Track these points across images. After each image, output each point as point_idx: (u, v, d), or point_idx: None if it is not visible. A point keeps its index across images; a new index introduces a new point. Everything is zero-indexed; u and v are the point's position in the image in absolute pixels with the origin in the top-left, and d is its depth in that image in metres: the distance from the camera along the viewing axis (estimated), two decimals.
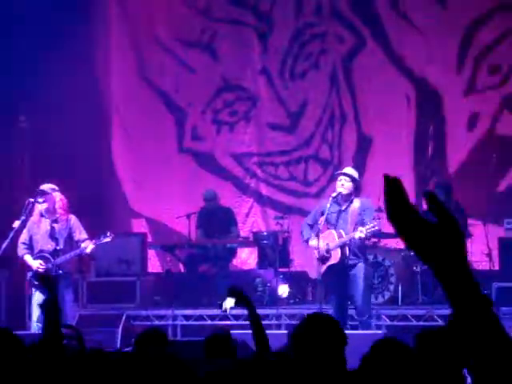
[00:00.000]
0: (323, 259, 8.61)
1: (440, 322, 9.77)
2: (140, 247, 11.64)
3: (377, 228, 8.40)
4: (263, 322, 10.32)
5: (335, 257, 8.57)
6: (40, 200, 8.84)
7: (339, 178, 8.75)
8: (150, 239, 12.47)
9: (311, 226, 8.78)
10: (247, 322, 10.30)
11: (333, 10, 12.60)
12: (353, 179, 8.72)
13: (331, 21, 12.62)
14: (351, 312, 9.05)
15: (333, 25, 12.62)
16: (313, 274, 8.87)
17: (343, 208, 8.67)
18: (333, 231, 8.62)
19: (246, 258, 12.59)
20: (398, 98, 12.31)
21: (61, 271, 8.68)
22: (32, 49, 11.74)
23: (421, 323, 9.88)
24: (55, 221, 8.82)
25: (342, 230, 8.57)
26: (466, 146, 12.07)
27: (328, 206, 8.65)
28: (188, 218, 11.65)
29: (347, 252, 8.56)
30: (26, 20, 11.88)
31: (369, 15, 12.43)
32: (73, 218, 8.91)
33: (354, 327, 8.98)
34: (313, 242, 8.64)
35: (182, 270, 12.16)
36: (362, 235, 8.35)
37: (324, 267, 8.62)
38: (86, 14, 12.91)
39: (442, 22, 12.07)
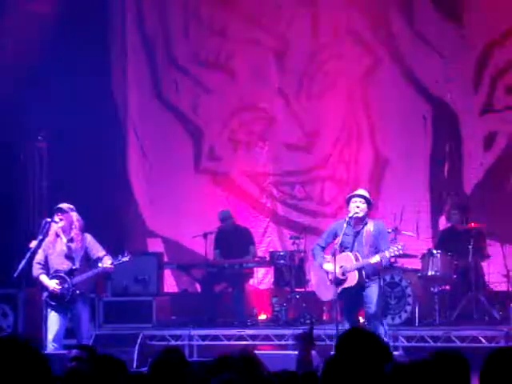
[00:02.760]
0: (338, 282, 8.57)
1: (458, 343, 9.72)
2: (156, 267, 11.65)
3: (400, 252, 8.42)
4: (280, 342, 10.34)
5: (352, 279, 8.54)
6: (57, 219, 8.86)
7: (353, 200, 8.73)
8: (165, 259, 12.48)
9: (323, 249, 8.76)
10: (264, 342, 10.29)
11: (349, 30, 12.63)
12: (367, 201, 8.72)
13: (348, 41, 12.65)
14: None
15: (349, 45, 12.64)
16: (325, 297, 8.83)
17: (357, 230, 8.66)
18: (350, 254, 8.59)
19: (262, 277, 12.57)
20: (415, 118, 12.30)
21: (77, 291, 8.69)
22: (50, 70, 11.82)
23: (438, 344, 9.82)
24: (71, 240, 8.83)
25: (357, 253, 8.55)
26: (483, 165, 12.04)
27: (344, 226, 8.64)
28: (204, 238, 11.66)
29: (364, 275, 8.55)
30: (44, 44, 11.97)
31: (385, 35, 12.45)
32: (88, 237, 8.91)
33: None
34: (327, 266, 8.60)
35: (199, 290, 12.15)
36: (379, 260, 8.36)
37: (338, 289, 8.58)
38: (103, 36, 13.02)
39: (459, 42, 12.08)
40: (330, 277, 8.56)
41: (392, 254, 8.43)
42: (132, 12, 13.51)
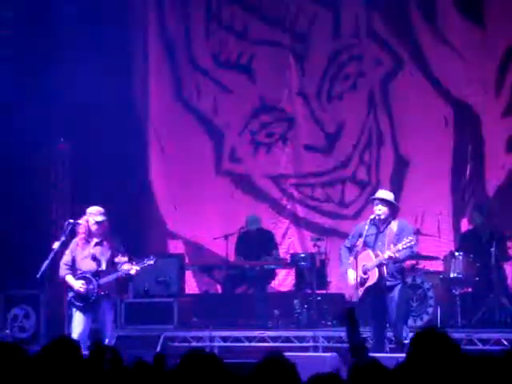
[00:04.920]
0: (362, 281, 8.57)
1: (480, 346, 9.66)
2: (178, 268, 11.66)
3: (412, 243, 8.32)
4: (300, 344, 10.33)
5: (373, 277, 8.53)
6: (81, 221, 8.89)
7: (375, 203, 8.74)
8: (186, 260, 12.50)
9: (350, 249, 8.76)
10: (284, 344, 10.28)
11: (370, 32, 12.60)
12: (388, 202, 8.70)
13: (369, 42, 12.63)
14: (390, 334, 9.00)
15: (370, 46, 12.62)
16: (354, 297, 8.80)
17: (381, 230, 8.65)
18: (370, 251, 8.59)
19: (283, 279, 12.57)
20: (436, 120, 12.26)
21: (103, 292, 8.72)
22: (71, 73, 11.88)
23: (460, 347, 9.74)
24: (99, 243, 8.86)
25: (379, 251, 8.53)
26: (505, 167, 11.98)
27: (366, 227, 8.63)
28: (225, 239, 11.66)
29: (384, 272, 8.50)
30: (64, 45, 12.05)
31: (407, 37, 12.42)
32: (116, 240, 8.96)
33: (393, 350, 8.93)
34: (350, 272, 8.60)
35: (220, 291, 12.16)
36: (391, 254, 8.32)
37: (362, 289, 8.58)
38: (125, 37, 13.07)
39: (481, 44, 12.02)
40: (356, 279, 8.56)
41: (404, 246, 8.36)
42: (154, 14, 13.57)
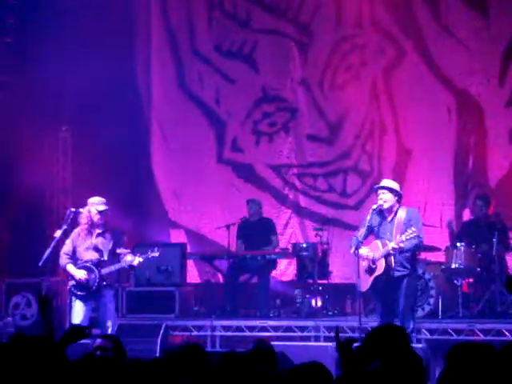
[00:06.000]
0: (370, 271, 8.56)
1: (481, 337, 9.67)
2: (179, 257, 11.66)
3: (414, 234, 8.28)
4: (302, 334, 10.34)
5: (380, 267, 8.49)
6: (83, 210, 8.88)
7: (378, 192, 8.72)
8: (188, 250, 12.49)
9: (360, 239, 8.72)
10: (286, 334, 10.29)
11: (373, 21, 12.56)
12: (391, 190, 8.67)
13: (372, 32, 12.58)
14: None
15: (373, 36, 12.58)
16: (363, 287, 8.72)
17: (389, 219, 8.62)
18: (377, 241, 8.56)
19: (285, 269, 12.57)
20: (439, 110, 12.22)
21: (105, 282, 8.73)
22: (74, 61, 11.86)
23: (461, 337, 9.78)
24: (101, 234, 8.86)
25: (387, 240, 8.49)
26: (508, 158, 11.95)
27: (368, 218, 8.62)
28: (227, 229, 11.65)
29: (392, 262, 8.45)
30: (67, 32, 12.02)
31: (410, 26, 12.37)
32: (117, 231, 8.96)
33: None
34: (362, 251, 8.56)
35: (221, 281, 12.17)
36: (395, 245, 8.30)
37: (371, 279, 8.56)
38: (127, 25, 13.06)
39: (484, 34, 11.97)
40: (365, 266, 8.54)
41: (408, 237, 8.32)
42: (157, 2, 13.52)
